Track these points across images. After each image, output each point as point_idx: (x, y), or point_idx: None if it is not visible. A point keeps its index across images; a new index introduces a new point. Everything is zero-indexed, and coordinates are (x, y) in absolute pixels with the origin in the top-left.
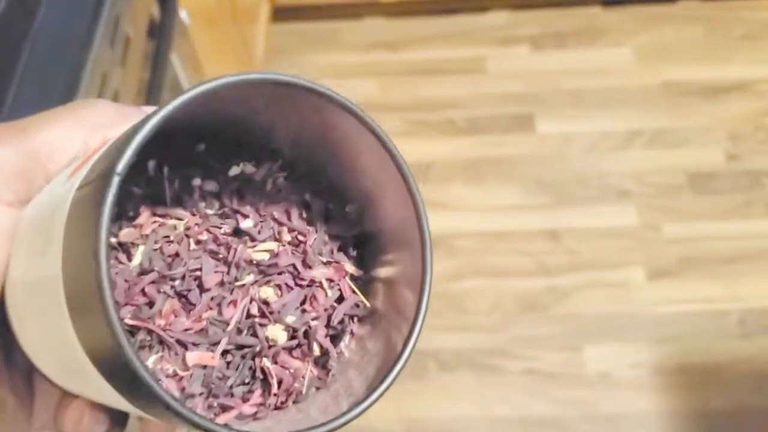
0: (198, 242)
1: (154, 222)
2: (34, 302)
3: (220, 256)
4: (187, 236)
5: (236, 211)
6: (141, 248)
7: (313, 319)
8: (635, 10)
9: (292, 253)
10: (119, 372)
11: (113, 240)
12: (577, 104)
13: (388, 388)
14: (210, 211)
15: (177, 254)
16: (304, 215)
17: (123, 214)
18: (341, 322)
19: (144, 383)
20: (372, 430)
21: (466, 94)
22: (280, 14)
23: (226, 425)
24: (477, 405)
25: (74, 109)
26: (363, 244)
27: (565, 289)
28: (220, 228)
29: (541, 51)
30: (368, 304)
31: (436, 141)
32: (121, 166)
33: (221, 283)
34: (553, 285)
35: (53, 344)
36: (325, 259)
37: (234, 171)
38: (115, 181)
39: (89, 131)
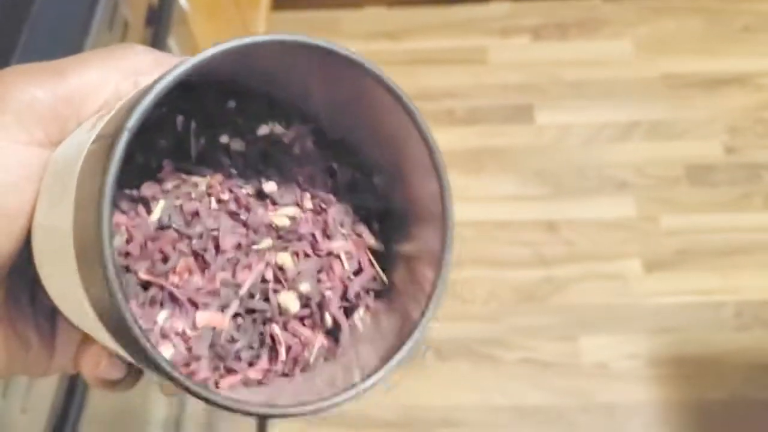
0: (219, 201)
1: (177, 178)
2: (51, 248)
3: (240, 217)
4: (209, 195)
5: (261, 173)
6: (161, 203)
7: (327, 290)
8: (636, 1)
9: (313, 222)
10: (117, 327)
11: (134, 192)
12: (576, 95)
13: (400, 363)
14: (234, 171)
15: (197, 212)
16: (329, 183)
17: (146, 167)
18: (357, 295)
19: (136, 341)
20: (369, 418)
21: (466, 84)
22: (281, 2)
23: (218, 394)
24: (474, 394)
25: (111, 52)
26: (386, 218)
27: (562, 279)
28: (243, 189)
29: (541, 42)
30: (386, 280)
31: (435, 131)
32: (131, 122)
33: (238, 246)
34: (551, 275)
35: (68, 291)
36: (345, 231)
37: (263, 130)
38: (124, 137)
39: (122, 76)
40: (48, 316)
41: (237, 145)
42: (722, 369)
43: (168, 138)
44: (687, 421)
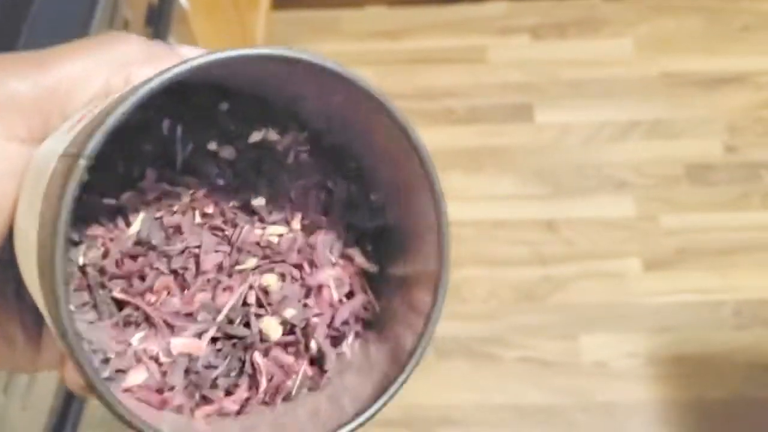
0: (204, 215)
1: (159, 188)
2: (24, 252)
3: (225, 233)
4: (192, 208)
5: (250, 184)
6: (141, 216)
7: (314, 316)
8: (635, 0)
9: (300, 248)
10: (69, 353)
11: (112, 202)
12: (576, 94)
13: (392, 397)
14: (221, 182)
15: (179, 227)
16: (323, 198)
17: (128, 175)
18: (345, 322)
19: (84, 371)
20: None
21: (466, 84)
22: (280, 1)
23: (142, 421)
24: (473, 392)
25: (99, 42)
26: (381, 237)
27: (561, 278)
28: (230, 203)
29: (541, 41)
30: (377, 307)
31: (435, 130)
32: (90, 149)
33: (220, 265)
34: (550, 275)
35: (39, 298)
36: (336, 255)
37: (255, 137)
38: (80, 166)
39: (113, 69)
40: (34, 314)
41: (227, 153)
42: (721, 368)
43: (153, 143)
44: (686, 420)
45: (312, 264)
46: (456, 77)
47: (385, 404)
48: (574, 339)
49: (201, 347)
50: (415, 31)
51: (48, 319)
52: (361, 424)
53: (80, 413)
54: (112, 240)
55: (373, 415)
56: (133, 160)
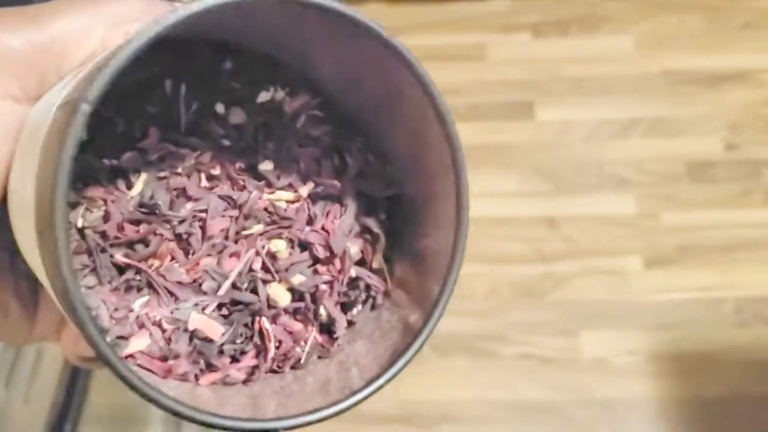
0: (210, 178)
1: (163, 149)
2: (20, 217)
3: (232, 198)
4: (198, 170)
5: (257, 148)
6: (143, 177)
7: (324, 283)
8: None
9: (308, 217)
10: (71, 314)
11: (113, 162)
12: (577, 92)
13: (402, 368)
14: (227, 143)
15: (184, 190)
16: (334, 166)
17: (129, 135)
18: (356, 288)
19: (88, 333)
20: (367, 412)
21: (467, 81)
22: None
23: (148, 385)
24: (473, 389)
25: None
26: (396, 206)
27: (562, 275)
28: (236, 164)
29: (542, 38)
30: (388, 280)
31: None
32: (93, 93)
33: (227, 231)
34: (550, 271)
35: (36, 263)
36: (346, 226)
37: (263, 97)
38: (83, 111)
39: (111, 25)
40: (29, 282)
41: (234, 115)
42: (722, 365)
43: (155, 104)
44: (686, 417)
45: (322, 231)
46: (456, 74)
47: (395, 375)
48: (574, 336)
49: (216, 332)
50: (415, 28)
51: (46, 282)
52: (369, 395)
53: (81, 407)
54: (113, 202)
55: (381, 387)
56: (134, 120)
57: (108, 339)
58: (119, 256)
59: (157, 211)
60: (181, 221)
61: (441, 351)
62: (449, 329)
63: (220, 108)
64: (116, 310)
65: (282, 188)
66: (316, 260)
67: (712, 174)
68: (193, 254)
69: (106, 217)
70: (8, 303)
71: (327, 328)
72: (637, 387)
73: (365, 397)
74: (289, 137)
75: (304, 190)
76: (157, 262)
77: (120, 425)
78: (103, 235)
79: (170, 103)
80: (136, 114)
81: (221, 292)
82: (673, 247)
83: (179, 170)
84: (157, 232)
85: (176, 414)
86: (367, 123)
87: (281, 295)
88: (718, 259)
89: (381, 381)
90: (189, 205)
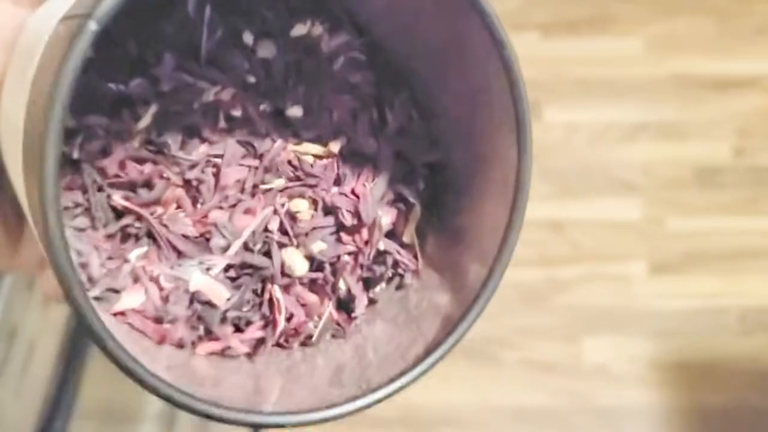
0: (228, 119)
1: (178, 78)
2: (10, 136)
3: (252, 144)
4: (216, 108)
5: (286, 90)
6: (152, 108)
7: (348, 254)
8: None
9: (337, 177)
10: (53, 264)
11: (120, 87)
12: (584, 93)
13: (434, 364)
14: (252, 79)
15: (198, 129)
16: (373, 119)
17: (141, 59)
18: (382, 264)
19: (59, 268)
20: (366, 415)
21: None
22: None
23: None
24: (473, 393)
25: None
26: (438, 174)
27: (565, 280)
28: (261, 107)
29: (550, 38)
30: (420, 258)
31: None
32: (102, 10)
33: (243, 183)
34: (554, 276)
35: (21, 191)
36: (379, 192)
37: (298, 30)
38: (89, 29)
39: None
40: (16, 206)
41: (263, 48)
42: (724, 374)
43: (175, 24)
44: (688, 426)
45: (351, 195)
46: None
47: (422, 374)
48: (576, 341)
49: (221, 296)
50: None
51: (30, 216)
52: (389, 395)
53: (73, 401)
54: (116, 134)
55: (404, 387)
56: (148, 43)
57: (97, 292)
58: (118, 198)
59: (166, 151)
60: (192, 165)
61: None
62: None
63: (248, 38)
64: (109, 258)
65: (310, 140)
66: (340, 227)
67: (720, 180)
68: (202, 204)
69: (107, 151)
70: None
71: (345, 305)
72: (638, 395)
73: (385, 396)
74: (323, 81)
75: (335, 146)
76: (160, 210)
77: (112, 421)
78: (102, 171)
79: (192, 27)
80: (151, 37)
81: (231, 252)
82: (679, 254)
83: (195, 106)
84: (164, 174)
85: (165, 398)
86: (415, 74)
87: (298, 263)
88: (724, 266)
89: (405, 380)
90: (202, 148)
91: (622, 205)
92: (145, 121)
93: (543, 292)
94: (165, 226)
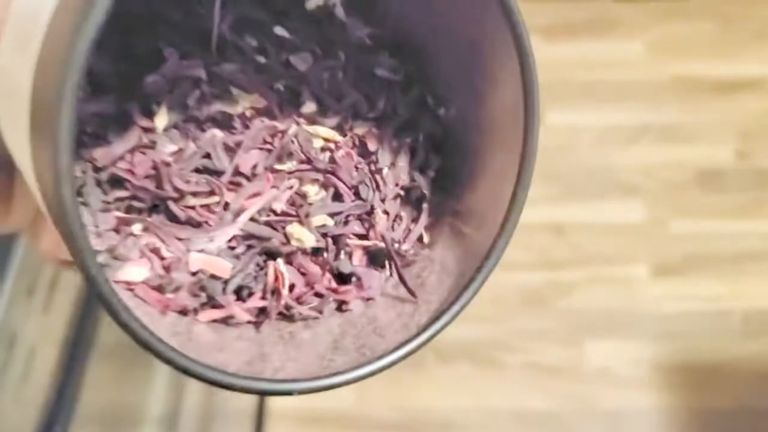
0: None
1: (185, 73)
2: (7, 98)
3: (267, 127)
4: (229, 95)
5: (299, 74)
6: (164, 107)
7: (354, 234)
8: (648, 3)
9: (354, 164)
10: (59, 223)
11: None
12: (586, 96)
13: (426, 342)
14: (263, 60)
15: (208, 116)
16: (385, 100)
17: (153, 50)
18: (384, 242)
19: (73, 239)
20: (368, 418)
21: None
22: None
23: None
24: (475, 397)
25: None
26: (446, 153)
27: (567, 283)
28: (274, 86)
29: (552, 42)
30: (426, 240)
31: None
32: None
33: (254, 164)
34: (556, 279)
35: (22, 157)
36: (392, 177)
37: (314, 2)
38: (102, 3)
39: None
40: (5, 166)
41: (280, 29)
42: (728, 376)
43: (183, 11)
44: (691, 428)
45: (362, 179)
46: None
47: (410, 353)
48: (579, 345)
49: (225, 269)
50: None
51: (31, 178)
52: (379, 371)
53: (73, 407)
54: (121, 125)
55: (392, 364)
56: (159, 33)
57: (101, 259)
58: (121, 173)
59: (176, 164)
60: (205, 154)
61: (443, 357)
62: (452, 336)
63: (261, 15)
64: (114, 231)
65: (322, 123)
66: (349, 214)
67: (722, 183)
68: (211, 180)
69: (108, 140)
70: None
71: (346, 278)
72: (641, 398)
73: (390, 364)
74: (338, 53)
75: (348, 127)
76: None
77: (113, 427)
78: (107, 158)
79: (200, 14)
80: (158, 18)
81: (238, 223)
82: (681, 256)
83: (206, 99)
84: (188, 179)
85: (169, 362)
86: (425, 50)
87: (304, 234)
88: (727, 269)
89: (410, 347)
90: (216, 132)
91: (625, 208)
92: (161, 119)
93: (545, 295)
94: (170, 199)
